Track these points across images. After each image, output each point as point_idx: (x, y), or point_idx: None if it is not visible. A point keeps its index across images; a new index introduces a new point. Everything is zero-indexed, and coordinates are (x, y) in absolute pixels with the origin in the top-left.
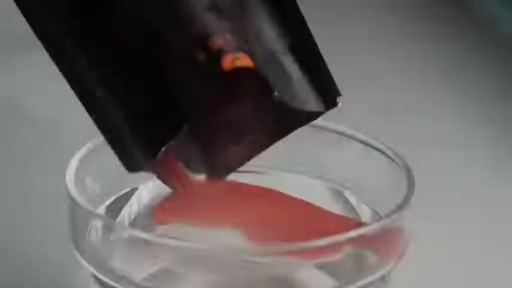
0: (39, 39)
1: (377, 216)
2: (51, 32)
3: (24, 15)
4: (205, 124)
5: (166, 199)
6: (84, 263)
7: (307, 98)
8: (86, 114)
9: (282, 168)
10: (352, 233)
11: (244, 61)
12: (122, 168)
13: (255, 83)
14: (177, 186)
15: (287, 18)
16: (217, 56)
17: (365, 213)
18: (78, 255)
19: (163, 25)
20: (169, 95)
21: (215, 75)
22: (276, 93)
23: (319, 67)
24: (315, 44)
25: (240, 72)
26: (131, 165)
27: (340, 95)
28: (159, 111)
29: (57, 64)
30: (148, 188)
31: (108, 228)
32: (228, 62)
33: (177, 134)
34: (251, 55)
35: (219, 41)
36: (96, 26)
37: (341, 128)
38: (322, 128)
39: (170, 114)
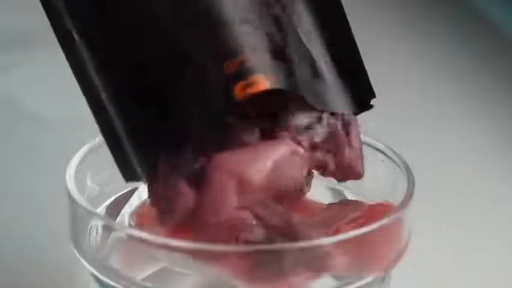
0: (56, 35)
1: None
2: (68, 29)
3: (45, 11)
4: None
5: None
6: (84, 262)
7: (338, 101)
8: (86, 114)
9: None
10: (351, 234)
11: (257, 86)
12: None
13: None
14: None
15: (326, 14)
16: (230, 81)
17: None
18: (78, 255)
19: (179, 38)
20: (177, 111)
21: (225, 104)
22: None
23: (356, 67)
24: (353, 42)
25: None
26: (129, 175)
27: (374, 96)
28: (161, 125)
29: (68, 60)
30: None
31: (108, 228)
32: (239, 89)
33: (176, 151)
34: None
35: (237, 61)
36: (110, 27)
37: None
38: None
39: (172, 130)
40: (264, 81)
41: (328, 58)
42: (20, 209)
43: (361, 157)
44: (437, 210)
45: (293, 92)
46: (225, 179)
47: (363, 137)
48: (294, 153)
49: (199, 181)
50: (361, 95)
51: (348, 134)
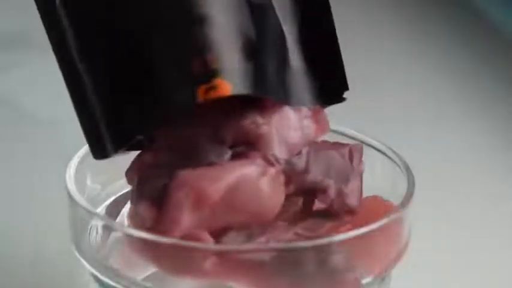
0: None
1: None
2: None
3: None
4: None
5: None
6: (84, 262)
7: (306, 94)
8: None
9: None
10: (352, 233)
11: (219, 91)
12: (122, 168)
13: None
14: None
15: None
16: (194, 82)
17: None
18: (78, 255)
19: (150, 35)
20: (150, 90)
21: (187, 105)
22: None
23: (331, 57)
24: (331, 32)
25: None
26: (99, 152)
27: (347, 89)
28: (136, 103)
29: (48, 30)
30: None
31: (108, 228)
32: (202, 92)
33: (147, 132)
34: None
35: (203, 61)
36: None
37: (341, 128)
38: None
39: (145, 111)
40: (227, 86)
41: (302, 46)
42: (20, 209)
43: (360, 192)
44: (437, 210)
45: (257, 95)
46: (183, 196)
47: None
48: (262, 173)
49: (161, 199)
50: (333, 86)
51: (351, 161)
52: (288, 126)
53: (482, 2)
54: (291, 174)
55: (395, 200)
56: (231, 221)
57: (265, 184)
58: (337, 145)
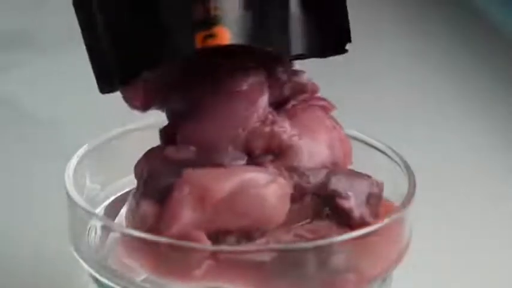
0: None
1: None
2: None
3: None
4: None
5: None
6: (83, 263)
7: (305, 45)
8: (86, 114)
9: None
10: (353, 233)
11: (217, 39)
12: (122, 169)
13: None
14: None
15: None
16: (193, 28)
17: None
18: (76, 256)
19: None
20: (160, 28)
21: (186, 51)
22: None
23: (331, 5)
24: None
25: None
26: (106, 85)
27: (349, 40)
28: (144, 40)
29: None
30: None
31: (106, 229)
32: (200, 39)
33: (154, 67)
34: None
35: (204, 7)
36: None
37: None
38: None
39: (153, 49)
40: (226, 34)
41: None
42: (19, 209)
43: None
44: (437, 210)
45: (254, 44)
46: (185, 194)
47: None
48: (269, 181)
49: (165, 197)
50: (336, 37)
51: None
52: (320, 143)
53: (482, 2)
54: (310, 184)
55: (396, 200)
56: (230, 225)
57: (270, 192)
58: (362, 175)
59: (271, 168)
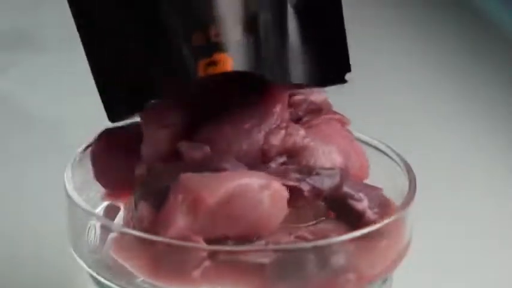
0: None
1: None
2: None
3: None
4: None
5: None
6: (82, 263)
7: (302, 74)
8: (86, 114)
9: None
10: (355, 233)
11: (219, 67)
12: None
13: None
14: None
15: None
16: (195, 56)
17: None
18: (76, 256)
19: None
20: (160, 60)
21: (187, 79)
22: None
23: (334, 36)
24: (338, 12)
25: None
26: (114, 114)
27: (349, 70)
28: (149, 71)
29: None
30: None
31: (106, 229)
32: (201, 68)
33: (160, 97)
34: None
35: (204, 34)
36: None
37: None
38: None
39: (157, 79)
40: (229, 61)
41: (304, 21)
42: (19, 209)
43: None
44: (438, 210)
45: (256, 72)
46: (180, 199)
47: None
48: (265, 186)
49: (162, 201)
50: (335, 67)
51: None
52: (333, 150)
53: (482, 2)
54: (324, 186)
55: (397, 200)
56: (227, 230)
57: (266, 197)
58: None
59: (265, 172)
